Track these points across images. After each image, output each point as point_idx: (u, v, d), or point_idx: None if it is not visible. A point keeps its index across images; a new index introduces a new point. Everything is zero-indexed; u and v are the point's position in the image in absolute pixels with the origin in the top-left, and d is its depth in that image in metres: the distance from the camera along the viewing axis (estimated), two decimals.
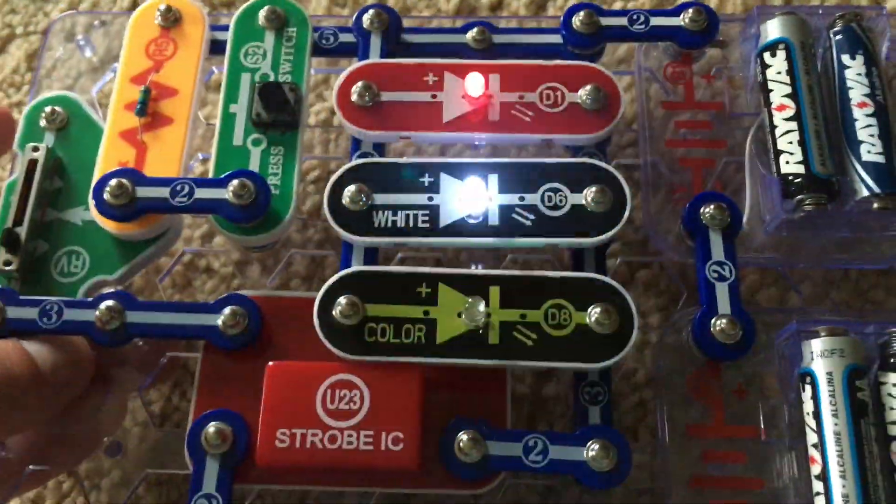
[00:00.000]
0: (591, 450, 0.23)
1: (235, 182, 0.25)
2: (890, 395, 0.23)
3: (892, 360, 0.23)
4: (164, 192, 0.25)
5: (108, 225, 0.26)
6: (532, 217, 0.25)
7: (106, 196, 0.25)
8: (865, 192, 0.25)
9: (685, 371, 0.25)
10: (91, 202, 0.26)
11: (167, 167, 0.27)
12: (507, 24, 0.33)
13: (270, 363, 0.24)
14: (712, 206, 0.26)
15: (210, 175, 0.27)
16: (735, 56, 0.30)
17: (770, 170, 0.27)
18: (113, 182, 0.25)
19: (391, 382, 0.23)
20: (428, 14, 0.33)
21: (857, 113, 0.26)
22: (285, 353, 0.25)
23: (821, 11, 0.29)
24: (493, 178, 0.26)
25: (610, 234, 0.25)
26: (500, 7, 0.33)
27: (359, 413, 0.23)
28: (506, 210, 0.25)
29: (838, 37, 0.28)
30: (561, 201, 0.25)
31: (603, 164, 0.26)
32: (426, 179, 0.26)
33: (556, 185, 0.25)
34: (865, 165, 0.26)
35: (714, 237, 0.26)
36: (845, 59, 0.27)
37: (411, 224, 0.25)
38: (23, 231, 0.26)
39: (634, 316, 0.24)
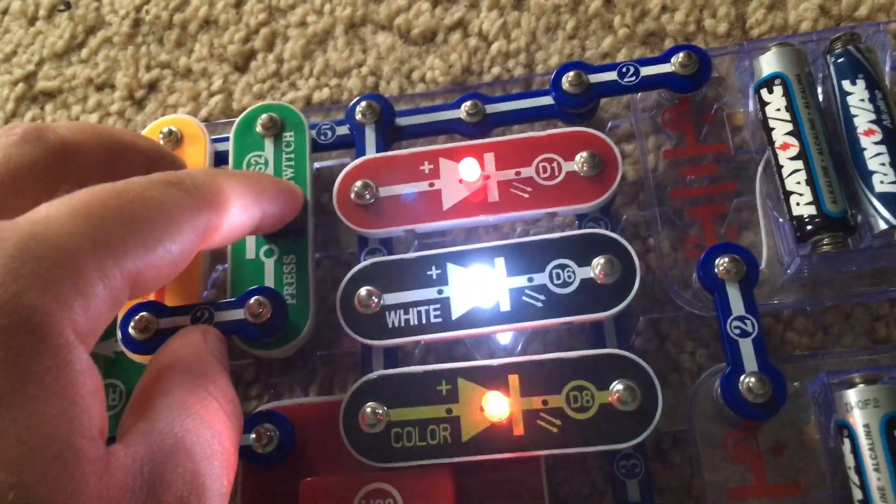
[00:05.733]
0: None
1: (252, 301, 0.26)
2: None
3: None
4: (185, 320, 0.26)
5: (138, 358, 0.27)
6: (542, 298, 0.25)
7: (132, 332, 0.26)
8: (883, 226, 0.24)
9: (719, 433, 0.25)
10: (118, 336, 0.27)
11: (187, 292, 0.28)
12: (497, 84, 0.33)
13: (305, 480, 0.24)
14: (726, 259, 0.25)
15: (228, 290, 0.28)
16: (733, 90, 0.29)
17: (782, 211, 0.26)
18: (137, 318, 0.26)
19: (423, 487, 0.24)
20: (421, 91, 0.33)
21: (865, 142, 0.25)
22: (320, 462, 0.26)
23: (815, 38, 0.28)
24: (500, 262, 0.26)
25: (621, 306, 0.24)
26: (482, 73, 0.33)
27: None
28: (516, 294, 0.25)
29: (836, 62, 0.27)
30: (569, 277, 0.25)
31: (607, 233, 0.26)
32: (434, 272, 0.26)
33: (562, 261, 0.25)
34: (880, 197, 0.25)
35: (732, 291, 0.25)
36: (846, 84, 0.26)
37: (424, 320, 0.25)
38: None
39: (658, 389, 0.23)
